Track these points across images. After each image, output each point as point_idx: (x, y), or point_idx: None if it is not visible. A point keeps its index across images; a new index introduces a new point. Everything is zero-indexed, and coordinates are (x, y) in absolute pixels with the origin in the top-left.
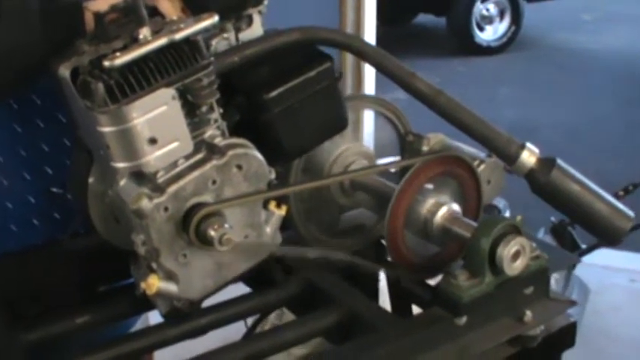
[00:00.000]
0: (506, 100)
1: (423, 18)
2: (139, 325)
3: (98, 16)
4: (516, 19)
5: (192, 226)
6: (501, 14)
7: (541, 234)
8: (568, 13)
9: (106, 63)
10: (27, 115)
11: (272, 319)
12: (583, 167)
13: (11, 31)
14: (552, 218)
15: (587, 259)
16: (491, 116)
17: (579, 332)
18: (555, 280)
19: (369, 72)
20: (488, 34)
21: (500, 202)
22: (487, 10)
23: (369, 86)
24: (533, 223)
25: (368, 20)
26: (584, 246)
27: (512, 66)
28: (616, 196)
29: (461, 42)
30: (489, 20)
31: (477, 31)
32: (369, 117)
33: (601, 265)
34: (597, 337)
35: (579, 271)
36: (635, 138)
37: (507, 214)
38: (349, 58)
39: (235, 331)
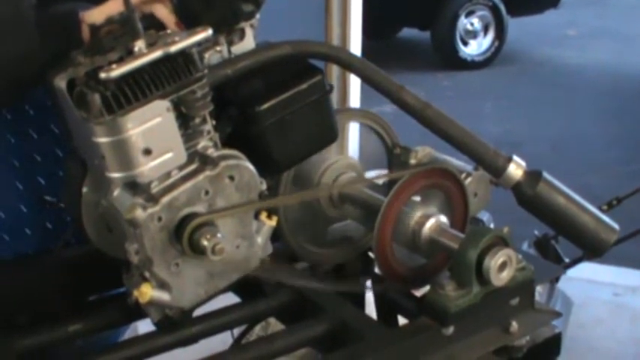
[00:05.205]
0: (490, 115)
1: (408, 32)
2: (127, 334)
3: (94, 29)
4: (500, 33)
5: (185, 235)
6: (485, 29)
7: (524, 247)
8: (552, 29)
9: (103, 75)
10: (20, 125)
11: (257, 330)
12: (567, 181)
13: (7, 41)
14: (536, 232)
15: (571, 272)
16: (476, 130)
17: (563, 345)
18: (538, 292)
19: (355, 85)
20: (473, 49)
21: (484, 215)
22: (471, 24)
23: (355, 100)
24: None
25: (354, 35)
26: (567, 259)
27: (497, 80)
28: (600, 210)
29: (445, 56)
30: (473, 35)
31: (461, 46)
32: (354, 130)
33: (585, 278)
34: (581, 349)
35: (563, 284)
36: (619, 152)
37: (491, 226)
38: (335, 72)
39: (221, 342)
